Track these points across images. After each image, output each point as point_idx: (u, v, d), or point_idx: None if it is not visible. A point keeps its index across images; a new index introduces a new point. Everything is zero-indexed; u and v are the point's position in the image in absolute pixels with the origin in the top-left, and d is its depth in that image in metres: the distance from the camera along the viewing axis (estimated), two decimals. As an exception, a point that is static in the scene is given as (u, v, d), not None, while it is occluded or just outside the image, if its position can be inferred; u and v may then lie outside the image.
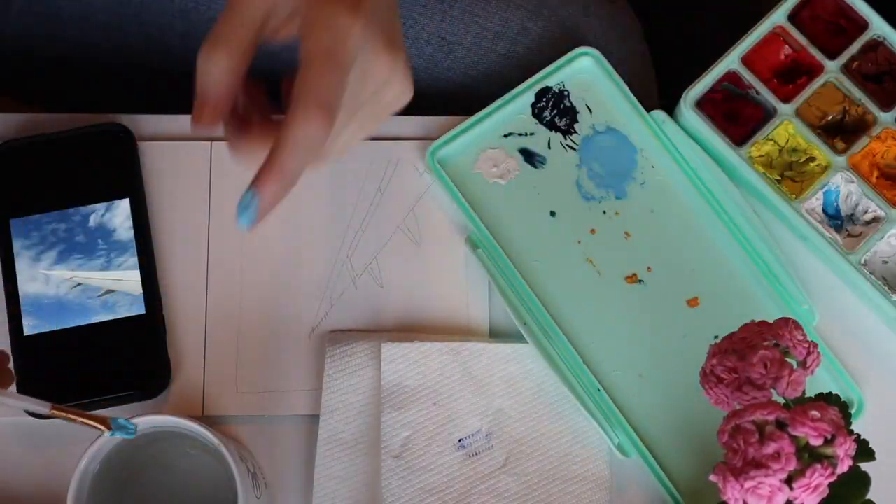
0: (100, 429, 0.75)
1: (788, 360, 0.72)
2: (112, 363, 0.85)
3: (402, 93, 0.76)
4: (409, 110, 0.94)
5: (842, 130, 0.93)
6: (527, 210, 0.91)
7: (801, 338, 0.73)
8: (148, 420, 0.79)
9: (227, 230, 0.89)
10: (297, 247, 0.90)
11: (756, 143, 0.92)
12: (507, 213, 0.90)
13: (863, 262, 0.89)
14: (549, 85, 0.93)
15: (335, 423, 0.86)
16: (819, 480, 0.68)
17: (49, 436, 0.84)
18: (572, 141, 0.93)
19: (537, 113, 0.93)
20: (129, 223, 0.89)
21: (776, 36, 0.94)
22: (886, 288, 0.89)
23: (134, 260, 0.88)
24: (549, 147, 0.92)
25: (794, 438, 0.68)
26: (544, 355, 0.86)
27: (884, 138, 0.92)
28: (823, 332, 0.89)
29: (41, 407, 0.75)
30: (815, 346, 0.74)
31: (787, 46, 0.94)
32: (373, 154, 0.92)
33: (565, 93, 0.93)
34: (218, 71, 0.73)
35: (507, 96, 0.93)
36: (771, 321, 0.74)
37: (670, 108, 0.93)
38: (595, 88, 0.94)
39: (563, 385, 0.85)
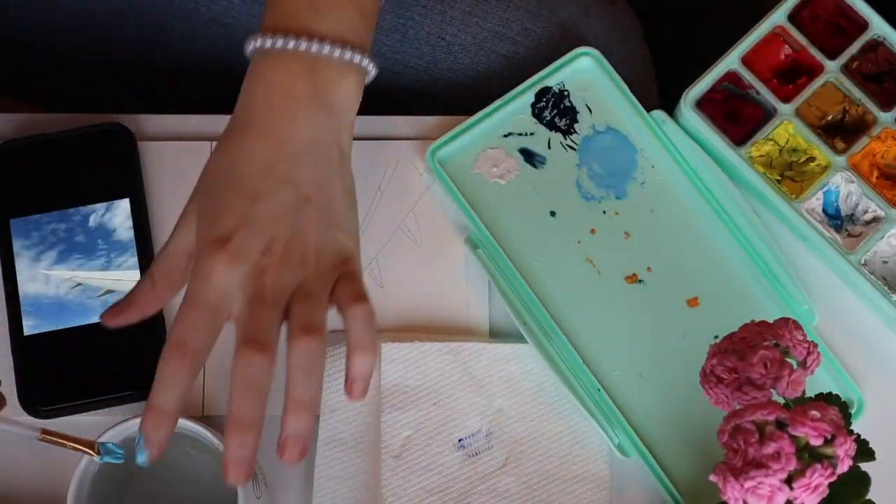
0: (89, 453, 0.76)
1: (788, 360, 0.72)
2: (112, 363, 0.85)
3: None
4: (409, 110, 0.95)
5: (842, 130, 0.93)
6: (527, 210, 0.91)
7: (801, 338, 0.73)
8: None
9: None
10: (297, 247, 0.90)
11: (756, 143, 0.92)
12: (507, 213, 0.90)
13: (863, 262, 0.89)
14: (549, 85, 0.93)
15: (335, 423, 0.85)
16: (819, 480, 0.68)
17: (49, 436, 0.84)
18: (572, 141, 0.93)
19: (537, 113, 0.93)
20: (129, 223, 0.89)
21: (776, 36, 0.94)
22: (886, 288, 0.89)
23: (134, 260, 0.88)
24: (549, 147, 0.92)
25: (794, 438, 0.68)
26: (544, 355, 0.86)
27: (884, 138, 0.92)
28: (823, 332, 0.89)
29: (31, 431, 0.75)
30: (815, 346, 0.74)
31: (787, 46, 0.94)
32: (373, 154, 0.92)
33: (565, 93, 0.93)
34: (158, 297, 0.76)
35: (507, 96, 0.92)
36: (771, 321, 0.74)
37: (670, 108, 0.93)
38: (595, 88, 0.94)
39: (563, 385, 0.85)
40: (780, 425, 0.68)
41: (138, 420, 0.77)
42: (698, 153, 0.92)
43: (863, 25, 0.94)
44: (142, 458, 0.71)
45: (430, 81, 0.99)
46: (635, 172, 0.92)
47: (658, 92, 1.06)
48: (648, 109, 0.93)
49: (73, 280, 0.87)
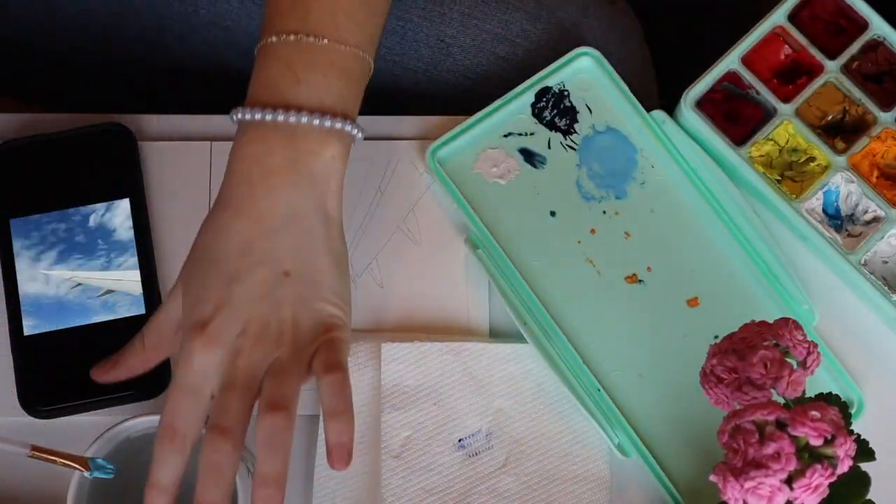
0: (79, 469, 0.77)
1: (788, 360, 0.72)
2: (112, 363, 0.85)
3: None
4: (408, 111, 0.95)
5: (842, 130, 0.93)
6: (527, 210, 0.91)
7: (801, 338, 0.73)
8: (148, 420, 0.79)
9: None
10: (297, 247, 0.90)
11: (756, 143, 0.92)
12: (507, 213, 0.90)
13: (863, 262, 0.89)
14: (549, 85, 0.93)
15: (335, 423, 0.85)
16: (819, 480, 0.68)
17: (49, 436, 0.84)
18: (572, 141, 0.93)
19: (537, 113, 0.93)
20: (129, 223, 0.89)
21: (776, 36, 0.94)
22: (886, 288, 0.89)
23: (134, 260, 0.88)
24: (549, 147, 0.92)
25: (794, 438, 0.68)
26: (544, 355, 0.86)
27: (884, 138, 0.92)
28: (823, 332, 0.89)
29: (21, 449, 0.76)
30: (815, 346, 0.74)
31: (787, 46, 0.94)
32: (373, 154, 0.92)
33: (565, 93, 0.93)
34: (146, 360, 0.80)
35: (507, 96, 0.92)
36: (771, 321, 0.74)
37: (670, 108, 0.93)
38: (595, 88, 0.94)
39: (563, 385, 0.85)
40: (780, 425, 0.68)
41: (124, 426, 0.78)
42: (698, 153, 0.92)
43: (863, 25, 0.94)
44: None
45: (429, 83, 0.99)
46: (635, 172, 0.92)
47: (658, 92, 1.05)
48: (648, 109, 0.93)
49: (73, 280, 0.87)
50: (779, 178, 0.92)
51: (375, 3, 0.82)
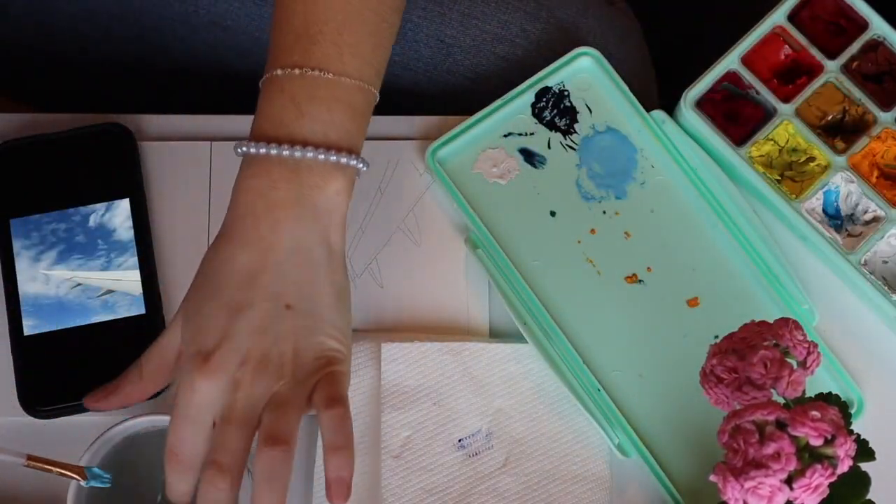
0: (75, 478, 0.77)
1: (788, 360, 0.72)
2: (112, 363, 0.85)
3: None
4: (408, 111, 0.95)
5: (842, 130, 0.93)
6: (527, 210, 0.91)
7: (801, 338, 0.73)
8: (148, 420, 0.79)
9: (227, 230, 0.89)
10: (297, 247, 0.90)
11: (756, 143, 0.92)
12: (507, 213, 0.90)
13: (863, 262, 0.89)
14: (549, 85, 0.93)
15: (335, 423, 0.85)
16: (819, 480, 0.68)
17: (49, 436, 0.84)
18: (572, 141, 0.93)
19: (537, 113, 0.93)
20: (129, 223, 0.89)
21: (776, 36, 0.94)
22: (886, 288, 0.89)
23: (134, 260, 0.88)
24: (549, 147, 0.92)
25: (794, 438, 0.68)
26: (544, 355, 0.86)
27: (884, 138, 0.92)
28: (823, 332, 0.89)
29: (16, 458, 0.76)
30: (815, 346, 0.74)
31: (787, 46, 0.94)
32: (373, 154, 0.92)
33: (565, 93, 0.93)
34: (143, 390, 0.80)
35: (506, 96, 0.92)
36: (771, 321, 0.74)
37: (670, 108, 0.93)
38: (595, 88, 0.94)
39: (563, 385, 0.85)
40: (780, 425, 0.68)
41: (123, 426, 0.78)
42: (698, 153, 0.92)
43: (863, 25, 0.94)
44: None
45: (429, 83, 0.99)
46: (635, 172, 0.92)
47: (658, 92, 1.06)
48: (648, 109, 0.93)
49: (73, 280, 0.87)
50: (779, 178, 0.92)
51: (381, 36, 0.82)
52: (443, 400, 0.86)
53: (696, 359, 0.76)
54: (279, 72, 0.79)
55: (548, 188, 0.91)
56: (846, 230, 0.91)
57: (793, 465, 0.67)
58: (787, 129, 0.92)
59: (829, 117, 0.93)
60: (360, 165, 0.80)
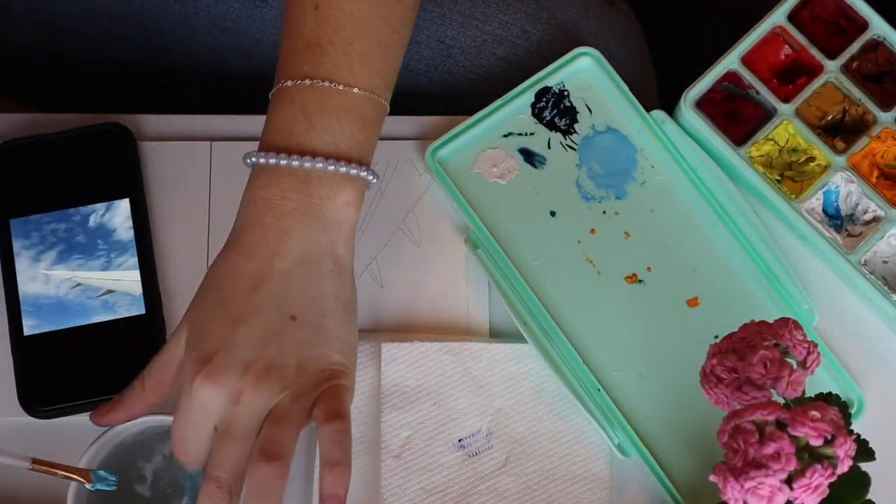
0: (80, 482, 0.77)
1: (788, 360, 0.72)
2: (112, 363, 0.85)
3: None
4: (408, 112, 0.95)
5: (842, 130, 0.93)
6: (527, 210, 0.91)
7: (801, 338, 0.73)
8: (148, 420, 0.79)
9: (228, 230, 0.89)
10: (297, 247, 0.90)
11: (756, 143, 0.92)
12: (507, 213, 0.90)
13: (863, 262, 0.89)
14: (549, 85, 0.93)
15: (335, 424, 0.85)
16: (819, 480, 0.68)
17: (49, 436, 0.84)
18: (572, 141, 0.93)
19: (537, 113, 0.93)
20: (129, 223, 0.89)
21: (776, 36, 0.94)
22: (886, 288, 0.89)
23: (134, 260, 0.88)
24: (549, 147, 0.92)
25: (794, 438, 0.68)
26: (544, 355, 0.86)
27: (884, 138, 0.92)
28: (823, 332, 0.89)
29: (22, 462, 0.76)
30: (815, 346, 0.74)
31: (787, 46, 0.94)
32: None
33: (565, 93, 0.93)
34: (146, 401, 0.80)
35: (506, 96, 0.92)
36: (771, 321, 0.74)
37: (670, 108, 0.93)
38: (595, 88, 0.94)
39: (563, 385, 0.85)
40: (780, 425, 0.68)
41: (123, 426, 0.78)
42: (698, 153, 0.92)
43: (863, 25, 0.94)
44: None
45: (430, 84, 0.99)
46: (635, 172, 0.92)
47: (658, 92, 1.06)
48: (648, 109, 0.93)
49: (73, 280, 0.87)
50: (779, 178, 0.92)
51: (391, 46, 0.82)
52: (443, 400, 0.86)
53: (696, 359, 0.76)
54: (289, 83, 0.79)
55: (548, 188, 0.91)
56: (846, 230, 0.91)
57: (793, 465, 0.67)
58: (787, 129, 0.92)
59: (829, 117, 0.93)
60: (370, 177, 0.79)
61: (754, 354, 0.72)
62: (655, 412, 0.87)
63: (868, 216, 0.91)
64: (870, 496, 0.75)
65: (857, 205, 0.91)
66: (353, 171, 0.78)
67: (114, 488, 0.78)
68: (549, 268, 0.89)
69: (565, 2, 1.00)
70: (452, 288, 0.89)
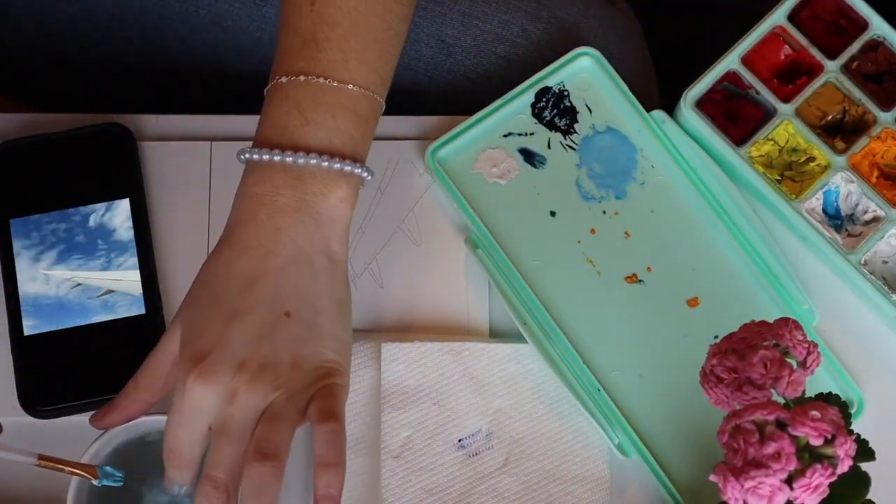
0: (87, 477, 0.77)
1: (788, 360, 0.72)
2: (112, 363, 0.85)
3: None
4: (408, 111, 0.95)
5: (842, 130, 0.93)
6: (527, 210, 0.91)
7: (801, 338, 0.73)
8: (148, 420, 0.79)
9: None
10: (297, 247, 0.90)
11: (756, 143, 0.92)
12: (507, 213, 0.90)
13: (863, 262, 0.89)
14: (549, 85, 0.93)
15: (335, 423, 0.85)
16: (819, 480, 0.68)
17: (49, 435, 0.84)
18: (572, 141, 0.93)
19: (537, 113, 0.93)
20: (129, 223, 0.89)
21: (776, 36, 0.94)
22: (886, 288, 0.89)
23: (134, 260, 0.88)
24: (549, 147, 0.92)
25: (794, 438, 0.68)
26: (544, 355, 0.86)
27: (884, 138, 0.92)
28: (823, 332, 0.89)
29: (28, 458, 0.75)
30: (815, 346, 0.74)
31: (787, 46, 0.94)
32: (373, 154, 0.91)
33: (565, 93, 0.93)
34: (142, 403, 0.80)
35: (506, 96, 0.92)
36: (771, 321, 0.74)
37: (670, 108, 0.93)
38: (595, 88, 0.94)
39: (563, 385, 0.85)
40: (780, 425, 0.68)
41: (123, 426, 0.78)
42: (698, 153, 0.92)
43: (863, 25, 0.94)
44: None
45: (430, 83, 0.99)
46: (635, 172, 0.92)
47: (658, 92, 1.06)
48: (648, 109, 0.93)
49: (73, 280, 0.87)
50: (779, 178, 0.92)
51: (387, 43, 0.82)
52: (443, 400, 0.86)
53: (696, 359, 0.76)
54: (283, 79, 0.79)
55: (548, 188, 0.91)
56: (846, 230, 0.91)
57: (793, 465, 0.67)
58: (787, 129, 0.92)
59: (829, 117, 0.93)
60: (365, 174, 0.79)
61: (754, 354, 0.72)
62: (655, 412, 0.87)
63: (868, 216, 0.91)
64: (870, 496, 0.75)
65: (857, 205, 0.91)
66: (348, 168, 0.78)
67: (120, 484, 0.78)
68: (549, 268, 0.89)
69: (565, 1, 1.00)
70: (452, 288, 0.89)
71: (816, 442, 0.68)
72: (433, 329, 0.89)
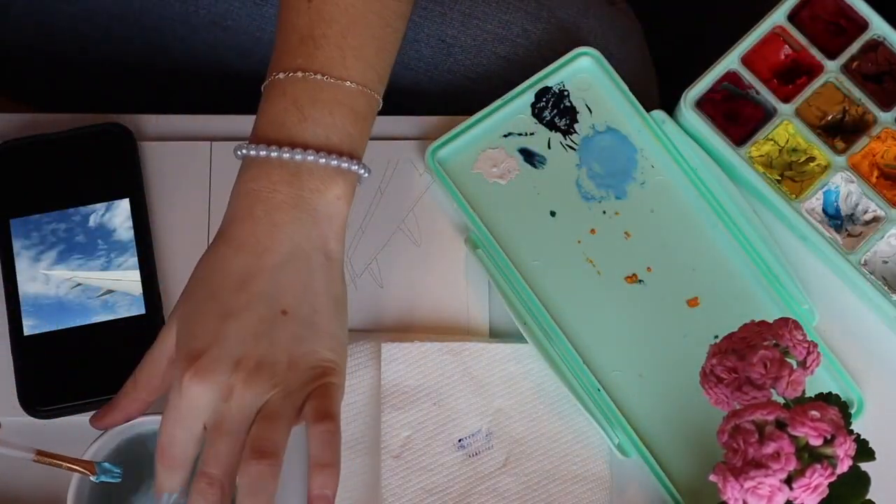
0: (85, 473, 0.76)
1: (788, 360, 0.72)
2: (112, 363, 0.85)
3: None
4: (408, 111, 0.95)
5: (842, 130, 0.93)
6: (527, 210, 0.91)
7: (801, 338, 0.73)
8: (148, 420, 0.79)
9: (227, 230, 0.89)
10: (297, 247, 0.90)
11: (756, 143, 0.92)
12: (507, 213, 0.90)
13: (863, 262, 0.89)
14: (549, 85, 0.93)
15: (335, 423, 0.85)
16: (819, 480, 0.68)
17: (49, 435, 0.84)
18: (572, 141, 0.93)
19: (537, 113, 0.93)
20: (129, 223, 0.89)
21: (776, 36, 0.94)
22: (886, 288, 0.89)
23: (134, 260, 0.88)
24: (549, 147, 0.92)
25: (793, 438, 0.68)
26: (544, 355, 0.86)
27: (884, 138, 0.92)
28: (823, 332, 0.89)
29: (26, 453, 0.75)
30: (815, 346, 0.74)
31: (787, 46, 0.94)
32: (373, 154, 0.91)
33: (565, 93, 0.93)
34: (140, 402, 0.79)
35: (506, 96, 0.93)
36: (771, 321, 0.74)
37: (670, 108, 0.93)
38: (595, 88, 0.94)
39: (563, 385, 0.85)
40: (780, 425, 0.68)
41: (123, 426, 0.78)
42: (698, 153, 0.92)
43: (863, 25, 0.94)
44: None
45: (430, 83, 0.99)
46: (635, 172, 0.92)
47: (658, 92, 1.06)
48: (648, 109, 0.93)
49: (73, 280, 0.87)
50: (779, 178, 0.92)
51: (385, 40, 0.82)
52: (443, 400, 0.86)
53: (696, 359, 0.76)
54: (281, 75, 0.79)
55: (548, 188, 0.91)
56: (846, 230, 0.91)
57: (792, 465, 0.67)
58: (787, 129, 0.92)
59: (829, 117, 0.93)
60: (362, 171, 0.79)
61: (754, 354, 0.72)
62: (655, 412, 0.87)
63: (868, 216, 0.91)
64: (870, 496, 0.75)
65: (857, 205, 0.91)
66: (345, 165, 0.78)
67: (118, 480, 0.78)
68: (549, 268, 0.89)
69: (565, 1, 1.00)
70: (452, 288, 0.89)
71: (816, 442, 0.68)
72: (433, 329, 0.89)
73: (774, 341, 0.73)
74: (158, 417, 0.79)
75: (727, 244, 0.91)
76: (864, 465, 0.75)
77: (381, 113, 0.92)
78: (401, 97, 0.98)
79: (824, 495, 0.68)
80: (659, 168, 0.92)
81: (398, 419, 0.85)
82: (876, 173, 0.91)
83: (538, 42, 0.98)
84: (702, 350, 0.76)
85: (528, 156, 0.92)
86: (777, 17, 0.94)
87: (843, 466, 0.68)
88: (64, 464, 0.77)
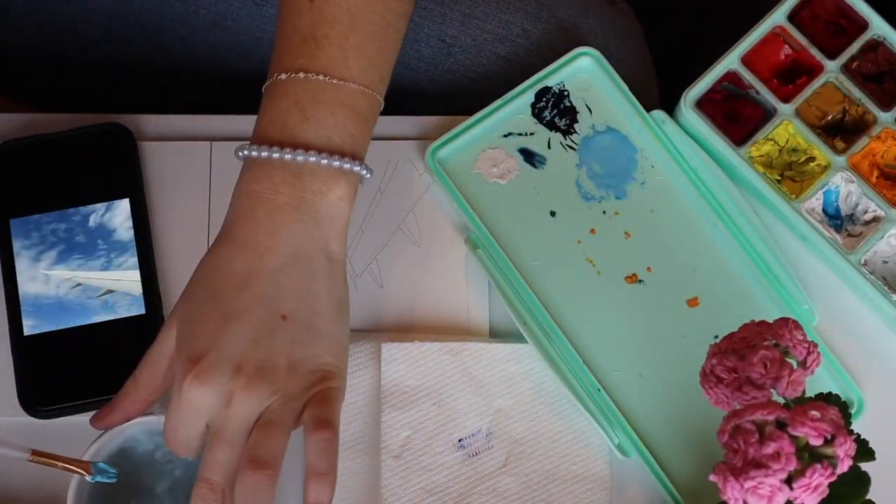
0: (81, 473, 0.76)
1: (788, 360, 0.72)
2: (112, 363, 0.85)
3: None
4: (408, 111, 0.95)
5: (842, 130, 0.93)
6: (527, 210, 0.91)
7: (801, 338, 0.73)
8: (148, 420, 0.79)
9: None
10: (297, 247, 0.90)
11: (756, 143, 0.92)
12: (507, 213, 0.90)
13: (863, 262, 0.89)
14: (549, 85, 0.93)
15: (335, 423, 0.85)
16: (819, 480, 0.68)
17: (49, 436, 0.84)
18: (572, 141, 0.93)
19: (537, 113, 0.93)
20: (129, 223, 0.89)
21: (776, 36, 0.94)
22: (886, 288, 0.89)
23: (134, 260, 0.88)
24: (549, 147, 0.92)
25: (794, 438, 0.68)
26: (544, 355, 0.86)
27: (884, 138, 0.92)
28: (823, 332, 0.89)
29: (21, 453, 0.75)
30: (815, 346, 0.74)
31: (787, 46, 0.94)
32: (373, 154, 0.91)
33: (565, 93, 0.93)
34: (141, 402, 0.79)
35: (506, 96, 0.92)
36: (771, 321, 0.74)
37: (670, 108, 0.93)
38: (595, 88, 0.94)
39: (563, 385, 0.85)
40: (780, 425, 0.68)
41: (123, 426, 0.78)
42: (698, 153, 0.92)
43: (863, 25, 0.94)
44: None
45: (430, 83, 0.99)
46: (635, 172, 0.92)
47: (658, 92, 1.06)
48: (648, 109, 0.93)
49: (73, 280, 0.87)
50: (779, 178, 0.92)
51: (386, 40, 0.81)
52: (443, 400, 0.86)
53: (696, 359, 0.76)
54: (283, 76, 0.78)
55: (548, 188, 0.91)
56: (846, 230, 0.91)
57: (793, 465, 0.67)
58: (787, 129, 0.92)
59: (829, 117, 0.93)
60: (364, 172, 0.79)
61: (754, 354, 0.72)
62: (655, 412, 0.87)
63: (868, 216, 0.91)
64: (870, 496, 0.75)
65: (857, 205, 0.91)
66: (347, 166, 0.78)
67: (114, 480, 0.78)
68: (549, 268, 0.89)
69: (565, 1, 1.00)
70: (452, 288, 0.89)
71: (816, 442, 0.68)
72: (433, 329, 0.89)
73: (774, 341, 0.73)
74: (156, 417, 0.79)
75: (727, 244, 0.91)
76: (864, 465, 0.75)
77: (382, 112, 0.92)
78: (401, 97, 0.98)
79: (824, 495, 0.68)
80: (659, 168, 0.92)
81: (398, 419, 0.85)
82: (876, 173, 0.91)
83: (538, 42, 0.98)
84: (702, 350, 0.76)
85: (528, 156, 0.92)
86: (777, 17, 0.94)
87: (844, 466, 0.68)
88: (59, 464, 0.77)
